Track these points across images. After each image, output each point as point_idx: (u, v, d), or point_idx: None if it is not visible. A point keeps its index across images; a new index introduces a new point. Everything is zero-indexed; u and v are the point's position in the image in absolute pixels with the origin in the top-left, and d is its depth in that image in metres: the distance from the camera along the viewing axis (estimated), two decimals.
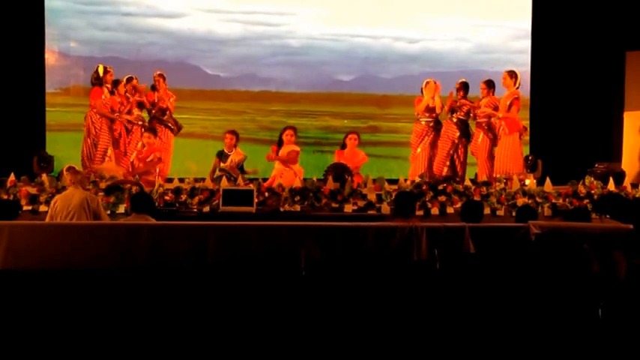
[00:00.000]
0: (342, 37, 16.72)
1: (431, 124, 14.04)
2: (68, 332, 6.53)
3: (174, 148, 14.11)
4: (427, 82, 13.91)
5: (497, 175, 13.00)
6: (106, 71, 13.77)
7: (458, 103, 14.00)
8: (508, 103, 13.70)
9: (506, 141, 13.71)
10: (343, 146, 13.72)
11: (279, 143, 13.51)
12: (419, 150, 14.08)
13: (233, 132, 13.68)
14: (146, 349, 6.53)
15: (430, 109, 13.92)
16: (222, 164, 13.53)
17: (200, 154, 14.04)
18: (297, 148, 13.47)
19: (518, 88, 13.88)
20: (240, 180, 12.63)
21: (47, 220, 9.13)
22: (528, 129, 14.13)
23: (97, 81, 13.73)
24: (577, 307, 6.69)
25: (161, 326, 6.56)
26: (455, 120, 14.10)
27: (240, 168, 13.18)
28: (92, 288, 6.64)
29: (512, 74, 13.91)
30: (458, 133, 14.07)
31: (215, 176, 13.22)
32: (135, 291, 6.63)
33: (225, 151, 13.50)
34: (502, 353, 6.61)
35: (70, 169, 9.49)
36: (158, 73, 14.17)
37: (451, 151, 14.09)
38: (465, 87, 14.10)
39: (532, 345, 6.60)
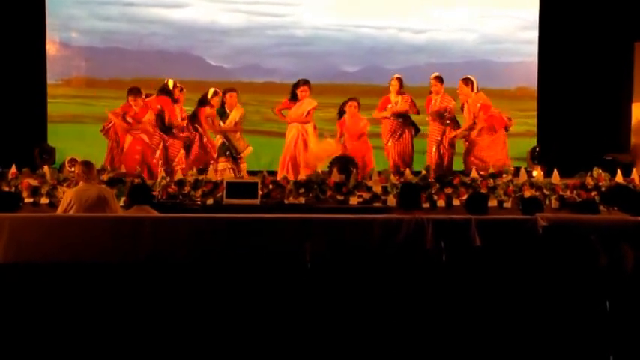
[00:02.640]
0: (348, 28, 16.73)
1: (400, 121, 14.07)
2: (70, 326, 6.56)
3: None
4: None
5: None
6: (175, 86, 13.79)
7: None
8: (477, 111, 13.71)
9: (490, 138, 13.74)
10: (341, 113, 13.77)
11: (293, 99, 13.62)
12: (389, 144, 14.06)
13: (233, 89, 13.90)
14: (150, 343, 6.56)
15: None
16: (221, 124, 13.62)
17: None
18: (315, 103, 13.57)
19: (477, 92, 13.85)
20: (239, 143, 12.89)
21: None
22: (512, 120, 14.04)
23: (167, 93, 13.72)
24: (584, 299, 6.71)
25: (164, 320, 6.59)
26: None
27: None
28: (95, 281, 6.68)
29: (467, 81, 13.88)
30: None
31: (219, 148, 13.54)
32: (138, 284, 6.66)
33: (227, 110, 13.65)
34: (509, 346, 6.64)
35: (85, 163, 9.44)
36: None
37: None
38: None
39: (539, 338, 6.63)
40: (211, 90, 13.76)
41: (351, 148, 13.52)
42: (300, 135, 13.63)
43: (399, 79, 13.95)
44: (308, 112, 13.63)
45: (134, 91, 13.28)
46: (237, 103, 13.76)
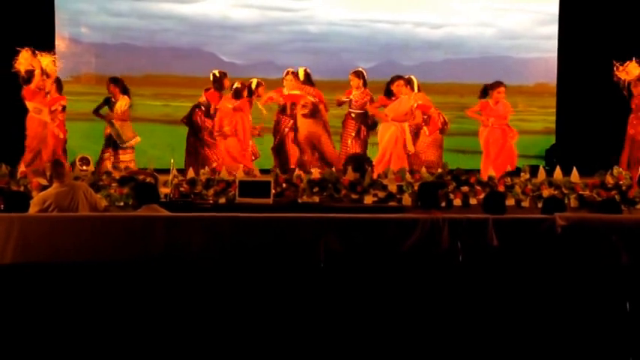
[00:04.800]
0: (363, 23, 16.73)
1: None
2: (81, 326, 6.60)
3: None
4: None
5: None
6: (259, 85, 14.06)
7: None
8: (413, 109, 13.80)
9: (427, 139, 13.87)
10: (389, 93, 13.76)
11: (388, 95, 13.65)
12: (350, 142, 14.09)
13: (115, 79, 14.20)
14: (162, 341, 6.59)
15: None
16: (109, 112, 13.97)
17: None
18: (416, 100, 13.65)
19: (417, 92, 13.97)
20: (126, 132, 13.39)
21: None
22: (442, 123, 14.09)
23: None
24: (604, 300, 6.71)
25: (177, 318, 6.62)
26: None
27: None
28: (105, 281, 6.71)
29: (408, 81, 13.95)
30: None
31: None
32: (150, 284, 6.69)
33: (112, 99, 14.06)
34: (527, 347, 6.64)
35: (55, 162, 9.47)
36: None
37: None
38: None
39: (558, 340, 6.63)
40: None
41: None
42: (400, 133, 13.53)
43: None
44: (410, 111, 13.60)
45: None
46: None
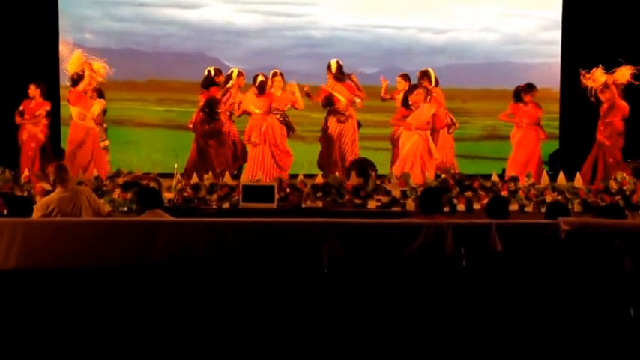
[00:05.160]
0: (366, 28, 16.77)
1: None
2: (84, 331, 6.59)
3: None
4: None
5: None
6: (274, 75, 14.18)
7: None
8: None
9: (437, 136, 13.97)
10: (408, 103, 13.57)
11: (407, 105, 13.52)
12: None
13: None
14: (165, 346, 6.59)
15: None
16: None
17: None
18: (434, 108, 13.64)
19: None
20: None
21: None
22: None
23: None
24: (608, 306, 6.70)
25: (180, 324, 6.62)
26: None
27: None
28: (107, 286, 6.71)
29: (405, 77, 14.35)
30: None
31: None
32: (154, 289, 6.69)
33: None
34: (533, 351, 6.64)
35: (59, 167, 9.46)
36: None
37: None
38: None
39: (562, 345, 6.62)
40: None
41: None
42: (422, 142, 13.35)
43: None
44: (429, 120, 13.54)
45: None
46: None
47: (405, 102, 13.42)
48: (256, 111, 13.75)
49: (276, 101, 13.86)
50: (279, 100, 13.95)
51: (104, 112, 14.07)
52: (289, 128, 14.23)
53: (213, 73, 13.95)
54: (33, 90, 13.92)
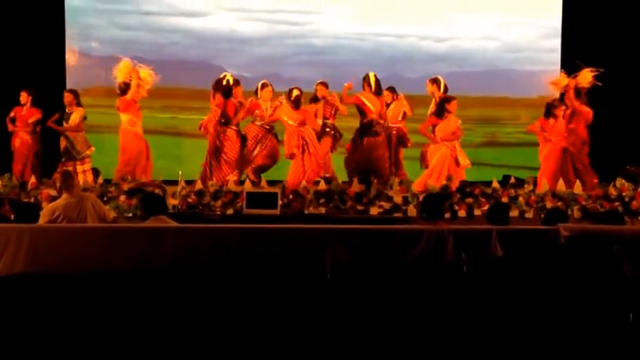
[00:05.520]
0: (368, 37, 16.78)
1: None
2: (88, 336, 6.60)
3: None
4: None
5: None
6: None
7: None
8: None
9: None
10: (551, 115, 13.59)
11: (440, 115, 13.61)
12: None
13: (70, 90, 14.31)
14: (169, 350, 6.60)
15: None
16: (65, 124, 13.86)
17: None
18: (459, 121, 13.67)
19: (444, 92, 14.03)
20: (80, 144, 13.72)
21: None
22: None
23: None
24: (607, 311, 6.70)
25: (184, 329, 6.63)
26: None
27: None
28: (113, 291, 6.72)
29: (434, 81, 14.10)
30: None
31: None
32: (159, 294, 6.70)
33: (67, 110, 14.07)
34: (532, 356, 6.64)
35: (65, 173, 9.46)
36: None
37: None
38: None
39: (562, 349, 6.63)
40: None
41: None
42: (450, 153, 13.43)
43: None
44: (455, 130, 13.60)
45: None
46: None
47: (439, 111, 13.43)
48: (290, 122, 13.78)
49: (309, 119, 13.92)
50: (313, 119, 14.04)
51: (84, 119, 14.03)
52: (336, 139, 14.28)
53: (232, 82, 13.81)
54: (24, 97, 14.02)
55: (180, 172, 12.43)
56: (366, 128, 13.93)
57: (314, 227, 7.62)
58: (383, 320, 6.70)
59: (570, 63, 16.13)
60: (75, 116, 13.90)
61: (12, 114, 14.11)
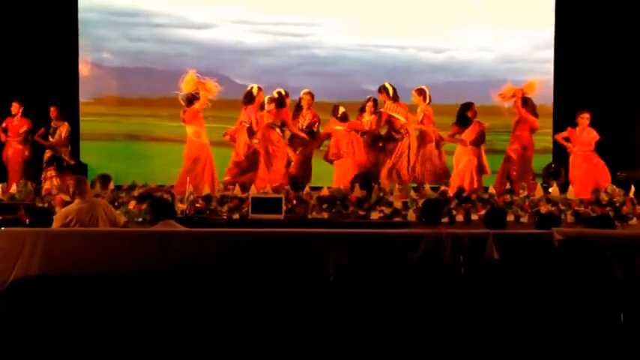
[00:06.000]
0: (369, 48, 16.78)
1: None
2: (98, 337, 6.60)
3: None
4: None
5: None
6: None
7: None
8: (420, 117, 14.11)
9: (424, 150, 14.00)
10: (464, 121, 13.69)
11: (463, 123, 13.68)
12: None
13: (56, 105, 14.28)
14: (174, 352, 6.59)
15: None
16: (50, 138, 13.99)
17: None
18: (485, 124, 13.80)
19: (428, 103, 14.14)
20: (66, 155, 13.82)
21: None
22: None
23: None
24: (599, 312, 6.70)
25: (190, 330, 6.62)
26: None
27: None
28: (125, 293, 6.72)
29: (420, 92, 14.15)
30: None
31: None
32: (166, 297, 6.69)
33: (53, 125, 14.18)
34: (525, 355, 6.63)
35: (78, 179, 9.45)
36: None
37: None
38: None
39: (555, 349, 6.62)
40: None
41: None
42: (475, 159, 13.57)
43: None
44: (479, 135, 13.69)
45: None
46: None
47: (461, 119, 13.45)
48: (338, 128, 14.00)
49: (358, 126, 14.09)
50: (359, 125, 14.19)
51: (69, 134, 14.09)
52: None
53: (255, 91, 13.84)
54: (16, 108, 14.11)
55: (188, 178, 12.43)
56: (393, 133, 14.04)
57: (317, 231, 7.62)
58: (384, 320, 6.69)
59: (563, 73, 16.19)
60: (61, 131, 13.97)
61: (4, 125, 14.20)
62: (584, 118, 13.57)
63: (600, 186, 12.79)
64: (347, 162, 13.89)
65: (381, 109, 14.10)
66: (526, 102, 13.44)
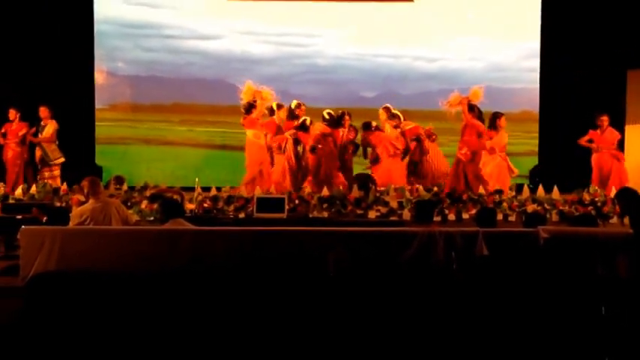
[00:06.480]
0: (366, 57, 16.76)
1: None
2: (113, 328, 6.60)
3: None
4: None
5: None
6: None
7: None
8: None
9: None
10: (495, 127, 13.67)
11: (495, 129, 13.65)
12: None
13: (44, 105, 14.31)
14: (182, 346, 6.58)
15: None
16: (40, 135, 14.05)
17: (240, 164, 13.98)
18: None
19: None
20: (53, 153, 13.88)
21: None
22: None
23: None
24: (582, 305, 6.70)
25: (196, 325, 6.61)
26: None
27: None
28: (136, 287, 6.72)
29: (387, 110, 14.21)
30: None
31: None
32: (176, 293, 6.69)
33: (42, 124, 14.23)
34: (512, 348, 6.62)
35: (92, 180, 9.43)
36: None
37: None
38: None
39: (539, 340, 6.61)
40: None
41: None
42: (504, 162, 13.63)
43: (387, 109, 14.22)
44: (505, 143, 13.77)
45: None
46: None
47: (492, 127, 13.47)
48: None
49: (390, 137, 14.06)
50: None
51: (56, 131, 14.13)
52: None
53: (276, 107, 13.92)
54: (13, 114, 14.18)
55: (197, 180, 12.43)
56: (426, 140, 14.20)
57: (318, 229, 7.63)
58: (381, 313, 6.68)
59: (548, 81, 16.20)
60: (49, 128, 14.17)
61: (3, 129, 14.25)
62: (604, 120, 13.83)
63: (624, 184, 12.82)
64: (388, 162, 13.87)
65: (403, 129, 14.03)
66: (472, 108, 13.40)
